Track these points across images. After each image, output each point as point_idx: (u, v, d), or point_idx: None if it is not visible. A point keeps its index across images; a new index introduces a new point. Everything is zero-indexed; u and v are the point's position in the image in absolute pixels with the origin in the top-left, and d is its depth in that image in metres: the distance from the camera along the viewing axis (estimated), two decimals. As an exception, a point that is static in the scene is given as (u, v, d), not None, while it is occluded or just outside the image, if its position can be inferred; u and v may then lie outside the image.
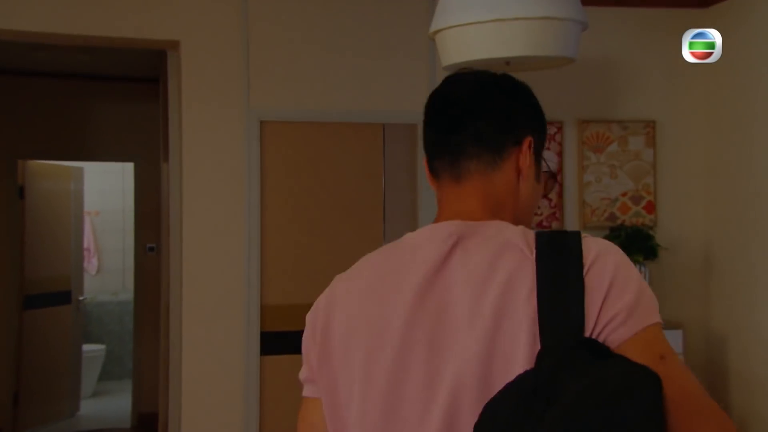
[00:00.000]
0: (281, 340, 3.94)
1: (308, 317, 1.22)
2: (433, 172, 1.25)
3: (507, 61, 2.72)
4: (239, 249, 3.88)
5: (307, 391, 1.21)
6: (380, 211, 4.09)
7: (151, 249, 6.11)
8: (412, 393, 1.08)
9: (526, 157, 1.20)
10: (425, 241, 1.15)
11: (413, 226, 4.22)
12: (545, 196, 1.26)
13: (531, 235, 1.09)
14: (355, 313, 1.15)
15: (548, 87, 4.53)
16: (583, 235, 1.08)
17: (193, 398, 3.84)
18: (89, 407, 6.99)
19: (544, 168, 1.26)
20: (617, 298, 1.03)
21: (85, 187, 7.01)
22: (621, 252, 1.09)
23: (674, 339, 3.91)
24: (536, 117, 1.25)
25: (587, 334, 1.01)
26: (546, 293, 1.02)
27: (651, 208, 4.25)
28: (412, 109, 4.23)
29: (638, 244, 4.03)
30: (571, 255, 1.04)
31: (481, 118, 1.20)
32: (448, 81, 1.26)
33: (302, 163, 4.02)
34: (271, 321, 3.94)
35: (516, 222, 1.17)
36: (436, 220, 1.21)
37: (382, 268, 1.18)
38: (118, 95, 6.13)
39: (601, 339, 1.01)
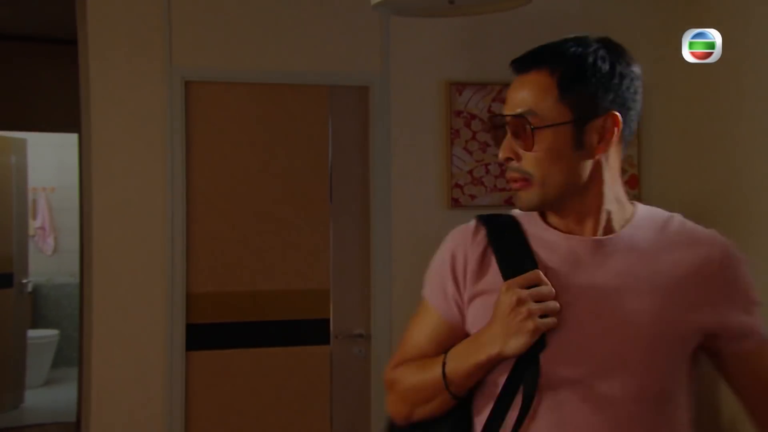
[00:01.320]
0: (210, 333, 3.48)
1: None
2: None
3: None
4: (160, 230, 3.38)
5: None
6: (326, 187, 3.59)
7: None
8: None
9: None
10: None
11: (364, 204, 3.75)
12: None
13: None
14: None
15: (509, 46, 4.03)
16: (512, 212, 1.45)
17: (106, 399, 3.35)
18: (37, 398, 6.56)
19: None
20: None
21: (40, 162, 6.54)
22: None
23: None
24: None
25: None
26: None
27: (635, 182, 3.78)
28: (363, 68, 3.76)
29: (620, 223, 3.56)
30: None
31: None
32: None
33: (234, 132, 3.52)
34: (199, 312, 3.46)
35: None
36: None
37: None
38: (60, 59, 5.60)
39: None
